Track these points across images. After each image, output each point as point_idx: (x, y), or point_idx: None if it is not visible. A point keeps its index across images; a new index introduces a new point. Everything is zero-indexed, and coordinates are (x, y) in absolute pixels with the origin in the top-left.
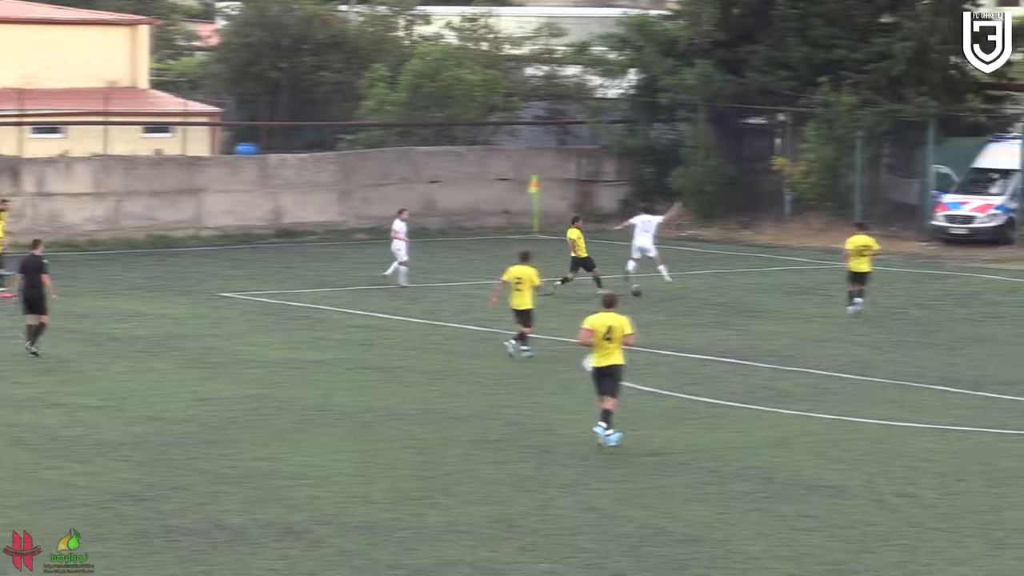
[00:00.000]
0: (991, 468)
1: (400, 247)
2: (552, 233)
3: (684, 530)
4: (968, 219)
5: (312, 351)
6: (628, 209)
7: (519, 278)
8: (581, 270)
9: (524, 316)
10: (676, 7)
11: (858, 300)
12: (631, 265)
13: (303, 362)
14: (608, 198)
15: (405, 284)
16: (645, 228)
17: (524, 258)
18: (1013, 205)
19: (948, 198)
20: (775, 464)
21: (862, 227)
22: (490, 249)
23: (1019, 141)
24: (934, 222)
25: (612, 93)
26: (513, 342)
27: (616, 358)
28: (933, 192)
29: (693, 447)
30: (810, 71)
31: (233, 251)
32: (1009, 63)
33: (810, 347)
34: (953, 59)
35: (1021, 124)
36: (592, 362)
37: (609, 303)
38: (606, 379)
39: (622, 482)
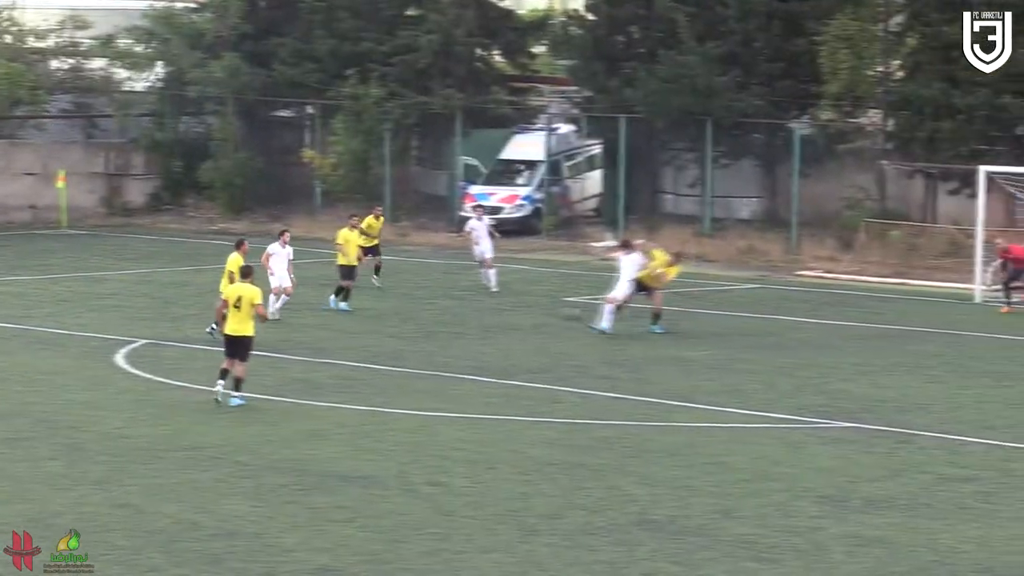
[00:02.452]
0: (521, 456)
1: None
2: (80, 228)
3: (219, 524)
4: (495, 210)
5: None
6: (157, 203)
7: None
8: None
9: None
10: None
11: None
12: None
13: None
14: (137, 192)
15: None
16: (481, 233)
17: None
18: (539, 196)
19: (475, 189)
20: (309, 456)
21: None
22: (17, 245)
23: (543, 132)
24: (462, 213)
25: (140, 86)
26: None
27: (245, 328)
28: (461, 183)
29: (227, 441)
30: (337, 64)
31: None
32: (532, 55)
33: (343, 339)
34: (478, 51)
35: (545, 116)
36: (224, 328)
37: (245, 274)
38: (233, 346)
39: (155, 478)
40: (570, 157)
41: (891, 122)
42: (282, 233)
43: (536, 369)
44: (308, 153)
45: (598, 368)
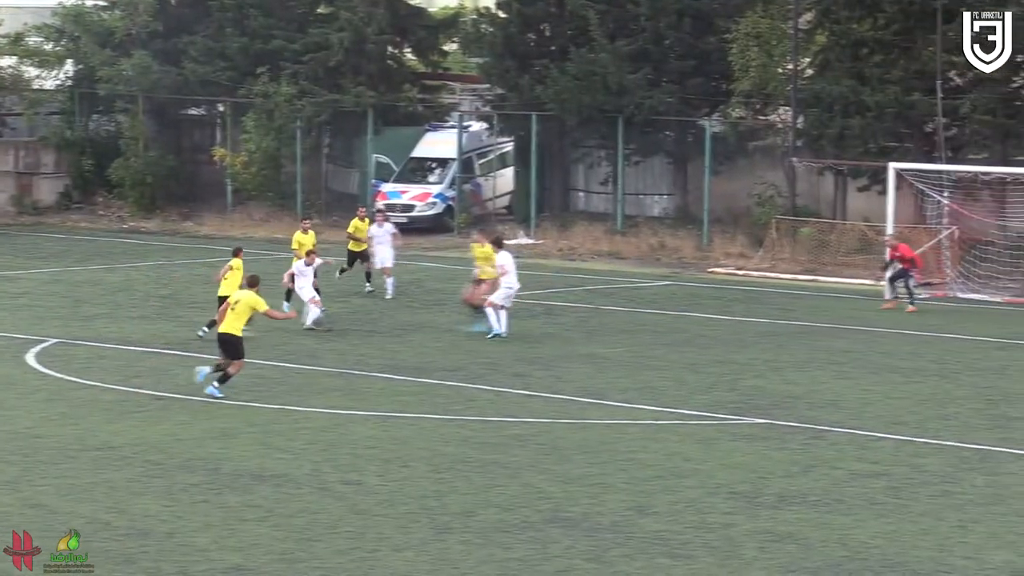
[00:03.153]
0: (434, 453)
1: None
2: None
3: (131, 524)
4: (408, 208)
5: None
6: (67, 201)
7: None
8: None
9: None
10: None
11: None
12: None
13: None
14: (48, 191)
15: None
16: (381, 240)
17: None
18: (451, 193)
19: (388, 187)
20: (221, 455)
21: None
22: None
23: (455, 130)
24: (375, 211)
25: (49, 84)
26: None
27: (233, 328)
28: (373, 181)
29: (138, 440)
30: (248, 61)
31: None
32: (444, 53)
33: (255, 338)
34: (389, 49)
35: (457, 113)
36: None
37: (251, 284)
38: (221, 342)
39: (66, 477)
40: (482, 155)
41: (801, 119)
42: (309, 253)
43: (449, 367)
44: (219, 151)
45: (511, 366)
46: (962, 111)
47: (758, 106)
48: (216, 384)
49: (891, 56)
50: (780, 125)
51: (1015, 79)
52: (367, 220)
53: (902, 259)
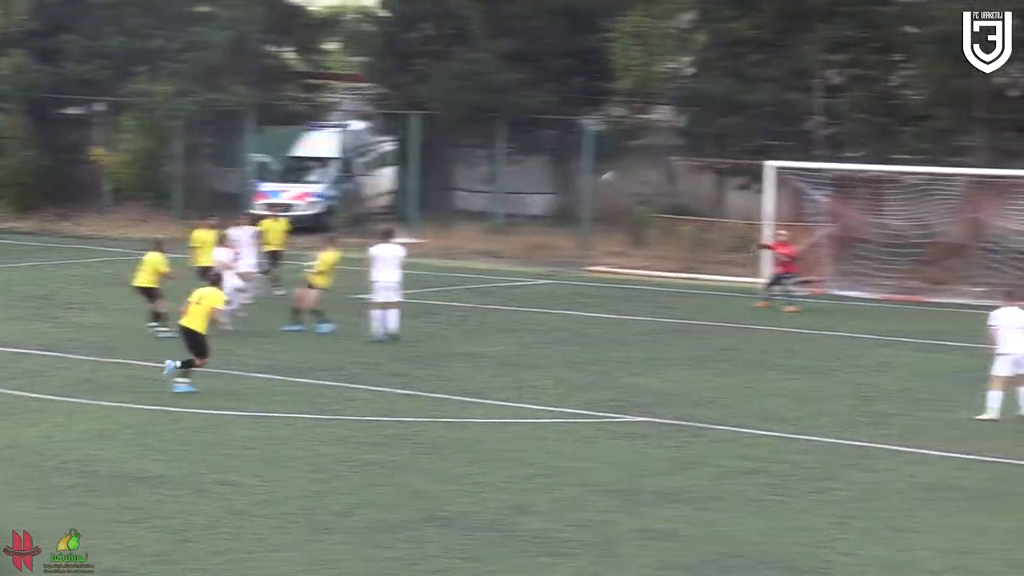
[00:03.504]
0: (312, 453)
1: None
2: None
3: (4, 527)
4: (287, 207)
5: None
6: None
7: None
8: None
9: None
10: None
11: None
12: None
13: None
14: None
15: None
16: (241, 243)
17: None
18: (332, 193)
19: (267, 186)
20: (97, 457)
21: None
22: None
23: (336, 129)
24: (253, 211)
25: None
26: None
27: (195, 324)
28: (252, 180)
29: (13, 443)
30: (127, 60)
31: None
32: (325, 52)
33: (132, 339)
34: (271, 48)
35: (338, 112)
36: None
37: (214, 281)
38: (184, 336)
39: None
40: (363, 154)
41: (682, 118)
42: (222, 239)
43: (328, 367)
44: (97, 151)
45: (390, 365)
46: (839, 110)
47: (639, 105)
48: (181, 380)
49: (769, 55)
50: (661, 124)
51: (890, 77)
52: (280, 221)
53: (784, 258)
